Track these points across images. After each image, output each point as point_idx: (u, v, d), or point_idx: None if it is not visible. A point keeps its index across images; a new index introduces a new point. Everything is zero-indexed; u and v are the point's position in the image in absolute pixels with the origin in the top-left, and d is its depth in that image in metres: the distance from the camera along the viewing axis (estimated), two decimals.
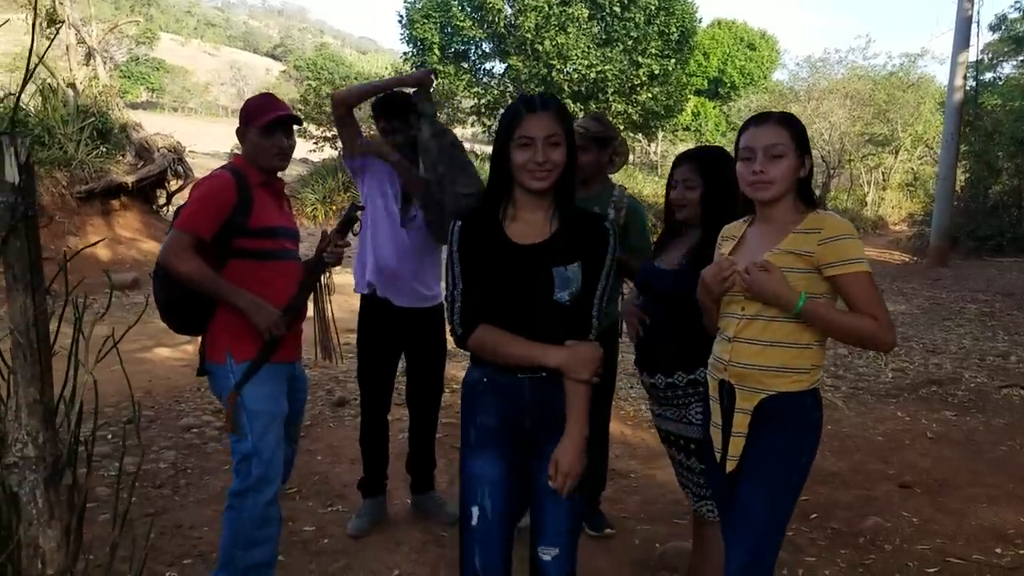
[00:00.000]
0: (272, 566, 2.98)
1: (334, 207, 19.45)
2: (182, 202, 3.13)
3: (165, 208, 14.14)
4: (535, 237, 2.17)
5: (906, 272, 16.66)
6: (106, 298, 10.14)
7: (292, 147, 2.96)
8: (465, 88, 28.48)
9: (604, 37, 26.63)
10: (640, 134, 31.98)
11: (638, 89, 27.29)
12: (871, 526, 3.95)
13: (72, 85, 12.87)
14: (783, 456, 2.28)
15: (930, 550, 3.75)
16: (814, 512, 4.11)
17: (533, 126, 2.08)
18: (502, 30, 26.60)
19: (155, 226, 13.21)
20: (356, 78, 25.40)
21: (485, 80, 29.44)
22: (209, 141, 30.45)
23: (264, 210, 2.86)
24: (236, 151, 17.87)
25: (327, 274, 3.16)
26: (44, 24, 13.27)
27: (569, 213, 2.19)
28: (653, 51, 26.72)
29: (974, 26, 17.24)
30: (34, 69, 1.86)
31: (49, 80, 12.67)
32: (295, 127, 2.99)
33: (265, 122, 2.84)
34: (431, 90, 3.64)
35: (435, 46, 27.52)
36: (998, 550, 3.74)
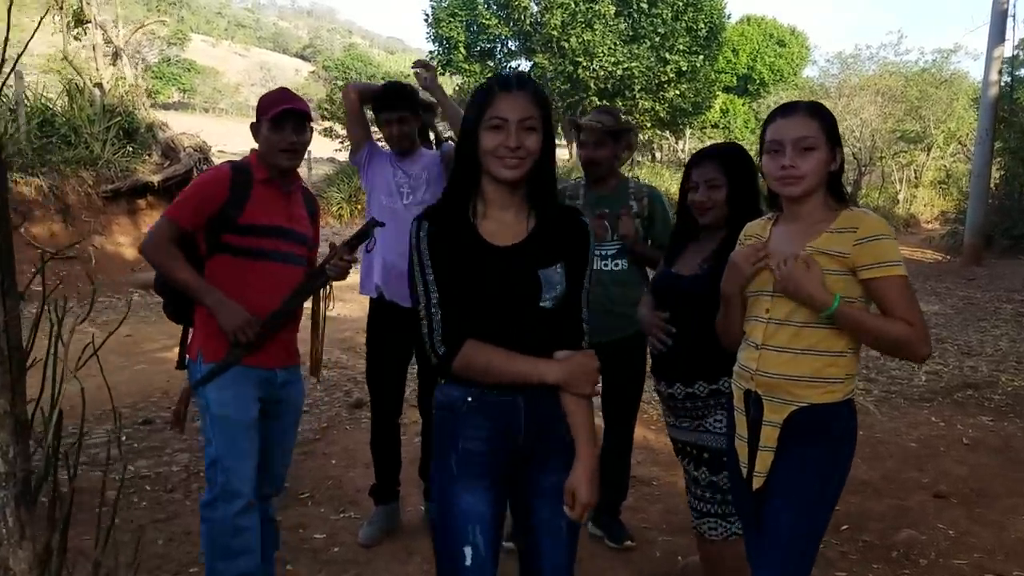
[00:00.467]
0: (257, 574, 2.82)
1: (359, 206, 19.42)
2: None
3: None
4: (512, 237, 1.94)
5: (939, 271, 16.30)
6: (127, 297, 10.14)
7: (303, 143, 2.81)
8: None
9: (631, 34, 26.36)
10: (667, 131, 31.68)
11: (665, 86, 26.98)
12: (905, 539, 3.77)
13: (99, 85, 12.90)
14: (815, 472, 2.13)
15: (967, 565, 3.57)
16: (845, 523, 3.94)
17: (506, 106, 1.85)
18: (528, 28, 26.43)
19: None
20: (384, 78, 25.32)
21: None
22: (239, 141, 30.59)
23: (261, 208, 2.73)
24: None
25: (327, 288, 2.99)
26: (71, 24, 13.34)
27: (546, 209, 1.97)
28: (681, 48, 26.41)
29: (1010, 20, 16.86)
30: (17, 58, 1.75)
31: (76, 80, 12.71)
32: (311, 124, 2.86)
33: (273, 114, 2.72)
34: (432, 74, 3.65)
35: (460, 45, 27.42)
36: None
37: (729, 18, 29.92)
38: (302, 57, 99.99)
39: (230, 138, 21.89)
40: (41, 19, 3.01)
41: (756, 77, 41.81)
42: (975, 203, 16.99)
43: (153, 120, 13.49)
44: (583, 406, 1.94)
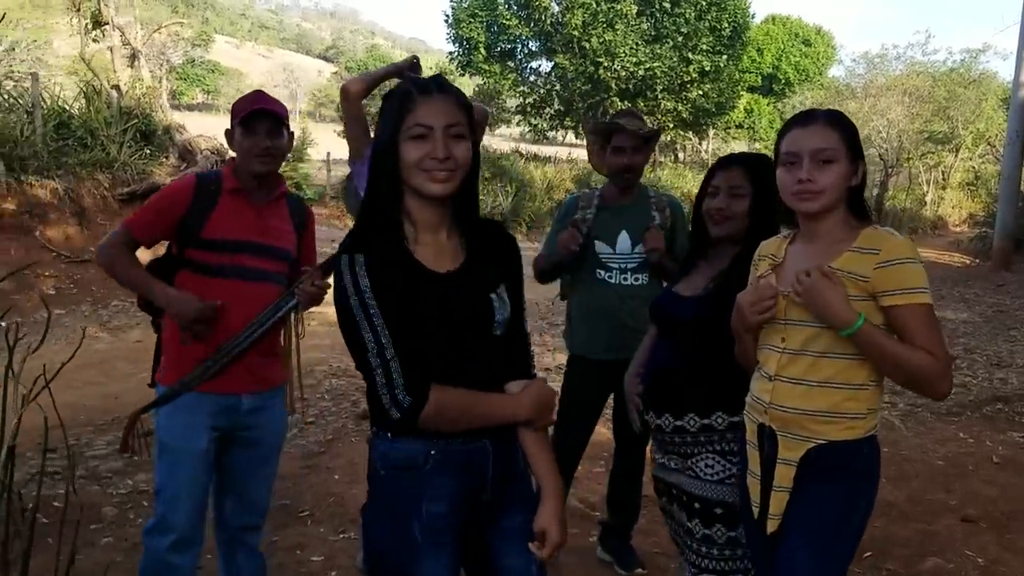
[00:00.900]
0: None
1: None
2: None
3: None
4: (451, 261, 1.71)
5: (967, 275, 15.96)
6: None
7: (279, 148, 2.59)
8: (511, 87, 28.27)
9: (653, 33, 26.16)
10: (690, 132, 31.43)
11: (688, 86, 26.77)
12: (931, 568, 3.57)
13: (116, 87, 12.90)
14: (833, 510, 1.95)
15: None
16: (869, 549, 3.74)
17: (429, 112, 1.61)
18: (549, 28, 26.29)
19: None
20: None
21: (531, 79, 29.20)
22: None
23: (227, 221, 2.54)
24: None
25: (297, 316, 2.72)
26: (89, 26, 13.35)
27: (472, 225, 1.76)
28: (704, 47, 26.18)
29: None
30: None
31: (93, 81, 12.70)
32: (288, 128, 2.64)
33: (243, 116, 2.52)
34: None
35: (480, 45, 27.35)
36: None
37: (753, 17, 29.66)
38: (325, 58, 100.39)
39: None
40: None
41: (781, 77, 41.46)
42: (1004, 206, 16.64)
43: (170, 122, 13.46)
44: (544, 439, 1.79)
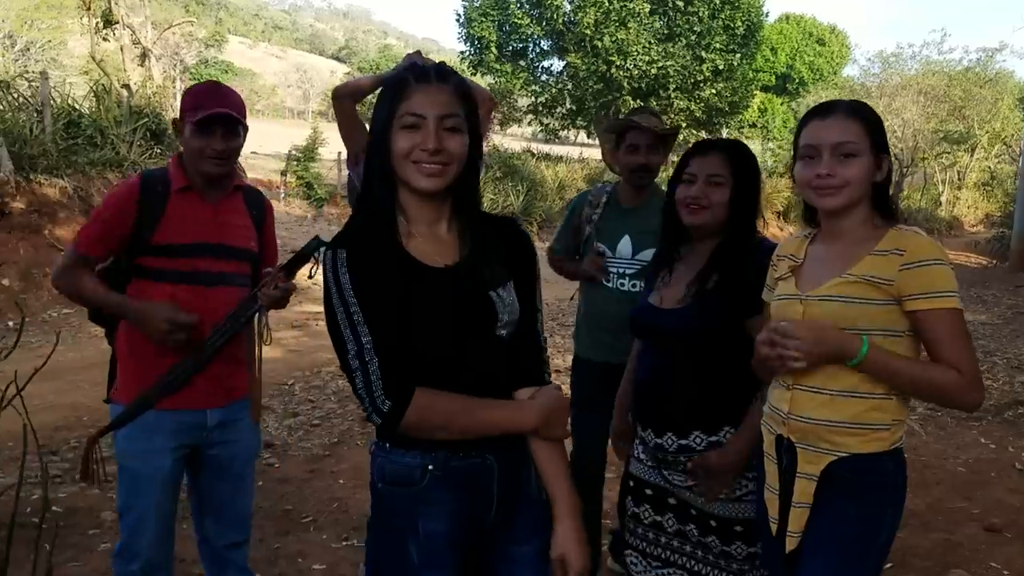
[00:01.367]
0: None
1: None
2: None
3: None
4: (450, 256, 1.58)
5: (985, 276, 15.75)
6: None
7: (234, 149, 2.40)
8: (522, 86, 28.16)
9: (666, 32, 26.00)
10: (703, 131, 31.27)
11: (701, 85, 26.59)
12: None
13: (126, 86, 12.89)
14: (856, 527, 1.82)
15: None
16: (889, 561, 3.60)
17: (423, 101, 1.49)
18: (560, 27, 26.15)
19: None
20: None
21: (543, 78, 29.08)
22: (274, 143, 30.92)
23: (178, 223, 2.35)
24: (295, 151, 18.03)
25: (262, 319, 2.51)
26: (100, 26, 13.34)
27: (476, 220, 1.62)
28: (717, 46, 26.00)
29: None
30: None
31: (103, 80, 12.68)
32: (244, 126, 2.42)
33: (198, 119, 2.32)
34: None
35: (492, 44, 27.22)
36: None
37: (767, 16, 29.46)
38: (338, 59, 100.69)
39: (265, 139, 21.95)
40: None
41: (795, 76, 41.28)
42: (1022, 206, 16.45)
43: None
44: (559, 453, 1.63)
